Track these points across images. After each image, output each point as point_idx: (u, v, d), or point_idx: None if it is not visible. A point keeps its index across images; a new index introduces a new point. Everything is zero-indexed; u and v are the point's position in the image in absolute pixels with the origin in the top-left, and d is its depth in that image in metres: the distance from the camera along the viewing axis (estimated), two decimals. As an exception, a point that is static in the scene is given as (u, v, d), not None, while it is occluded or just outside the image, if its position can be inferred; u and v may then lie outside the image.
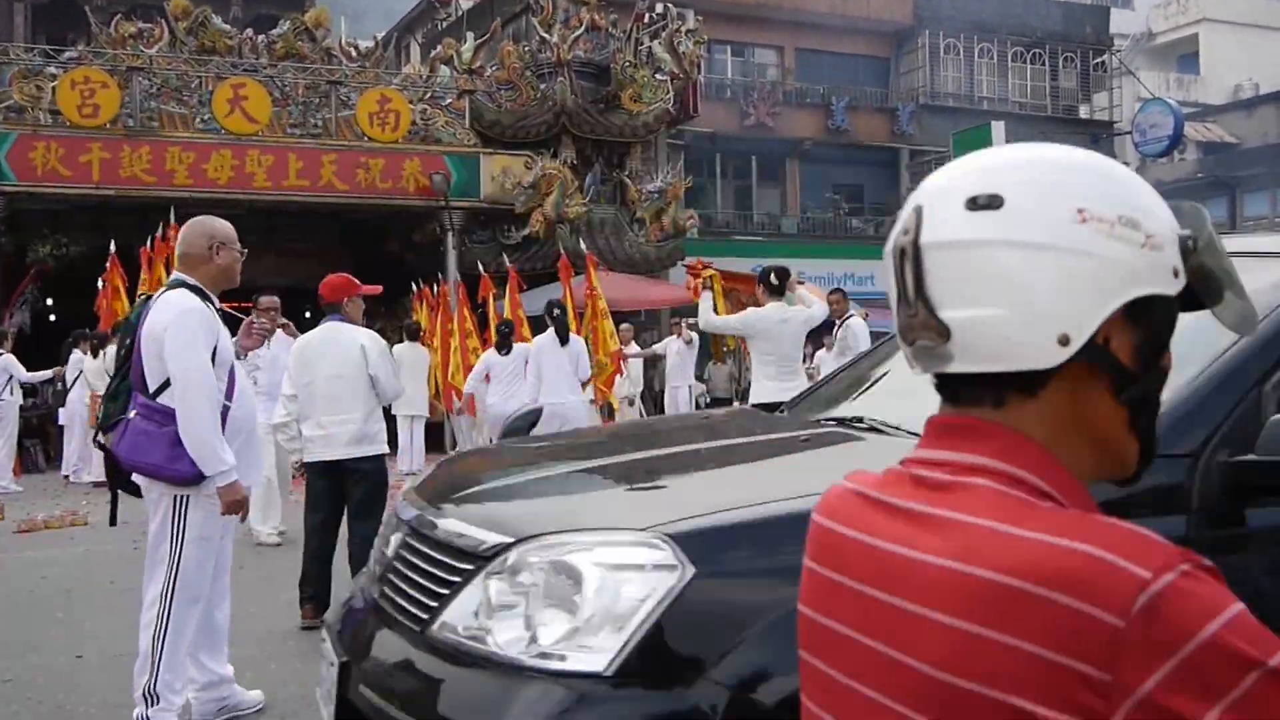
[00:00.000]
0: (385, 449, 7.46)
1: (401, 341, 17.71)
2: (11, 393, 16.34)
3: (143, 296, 5.16)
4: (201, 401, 4.77)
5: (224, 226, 5.15)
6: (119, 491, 5.26)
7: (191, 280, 4.96)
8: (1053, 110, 40.43)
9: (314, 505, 5.12)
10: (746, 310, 9.46)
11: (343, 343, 7.24)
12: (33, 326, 22.16)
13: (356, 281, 7.50)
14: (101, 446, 5.13)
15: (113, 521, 5.70)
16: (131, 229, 21.92)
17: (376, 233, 25.84)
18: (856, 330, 14.49)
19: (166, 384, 4.74)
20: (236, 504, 4.98)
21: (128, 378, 4.85)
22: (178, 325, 4.77)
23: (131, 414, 4.76)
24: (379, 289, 7.76)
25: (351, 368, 7.21)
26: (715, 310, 9.73)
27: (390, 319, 23.33)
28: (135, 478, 4.90)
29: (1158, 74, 47.72)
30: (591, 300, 17.77)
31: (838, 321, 14.67)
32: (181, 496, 4.84)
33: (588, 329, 17.48)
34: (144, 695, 4.80)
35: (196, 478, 4.80)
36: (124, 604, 7.78)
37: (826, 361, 22.54)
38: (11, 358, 16.54)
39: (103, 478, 15.68)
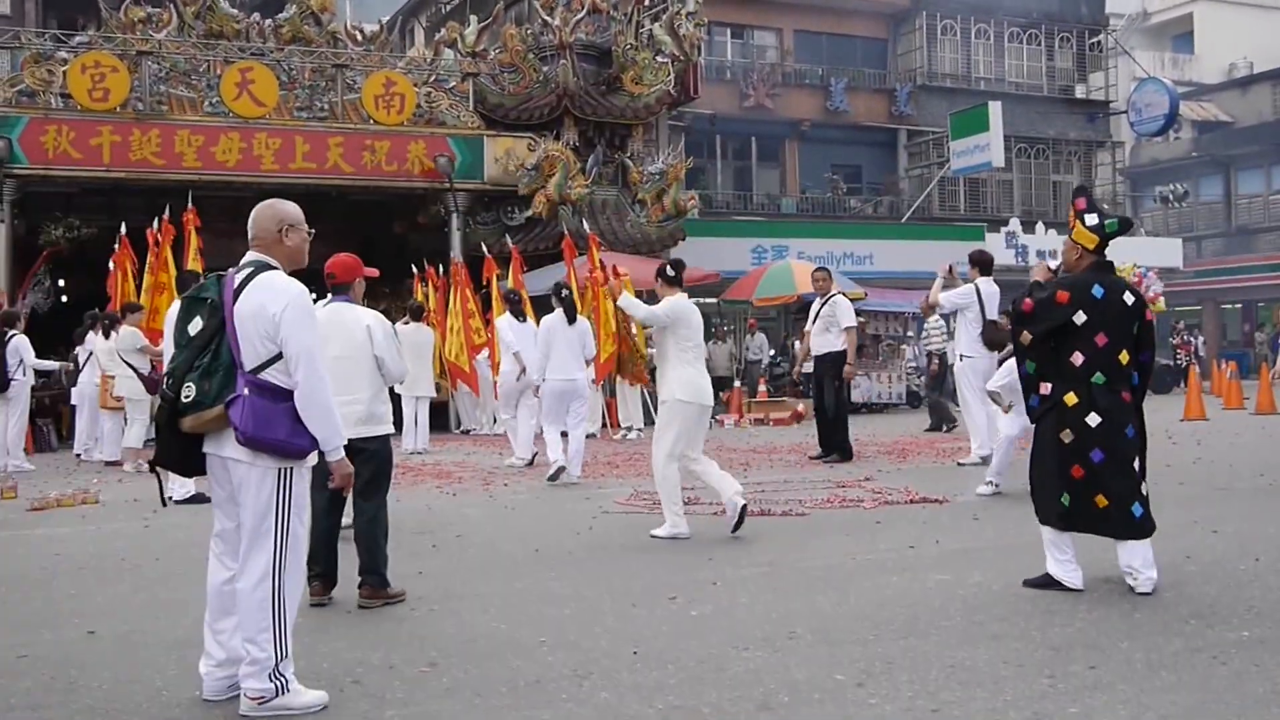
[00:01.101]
0: (391, 429, 7.53)
1: (406, 322, 17.93)
2: (24, 373, 16.49)
3: (214, 275, 5.16)
4: (325, 378, 5.00)
5: (292, 209, 5.27)
6: (157, 472, 5.30)
7: (274, 262, 5.13)
8: (1049, 90, 40.65)
9: (320, 485, 5.24)
10: (664, 300, 9.56)
11: (348, 323, 7.31)
12: (45, 307, 22.47)
13: (362, 263, 7.61)
14: (163, 429, 5.05)
15: (163, 503, 5.92)
16: (141, 211, 22.31)
17: (382, 214, 26.13)
18: (840, 307, 14.89)
19: (268, 362, 4.90)
20: (346, 476, 5.23)
21: (220, 356, 4.90)
22: (299, 305, 4.96)
23: (245, 391, 4.83)
24: (377, 272, 7.84)
25: (358, 349, 7.28)
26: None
27: (395, 300, 23.66)
28: (232, 453, 4.92)
29: (1153, 53, 47.84)
30: (594, 280, 18.06)
31: (821, 299, 15.08)
32: (287, 469, 4.97)
33: (589, 309, 17.79)
34: (272, 676, 4.90)
35: (310, 451, 5.00)
36: (136, 581, 8.03)
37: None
38: (23, 339, 16.61)
39: (114, 457, 16.22)
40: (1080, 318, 6.68)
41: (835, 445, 14.87)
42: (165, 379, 5.07)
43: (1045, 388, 6.84)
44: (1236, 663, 5.32)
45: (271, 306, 4.91)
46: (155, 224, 17.38)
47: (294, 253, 5.23)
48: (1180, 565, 7.39)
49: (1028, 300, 6.89)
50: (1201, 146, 45.80)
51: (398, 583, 7.26)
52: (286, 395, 4.92)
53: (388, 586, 7.12)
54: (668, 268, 9.77)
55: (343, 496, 7.08)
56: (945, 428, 19.36)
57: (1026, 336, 6.86)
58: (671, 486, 9.25)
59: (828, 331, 14.81)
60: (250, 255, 5.14)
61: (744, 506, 9.15)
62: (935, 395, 20.69)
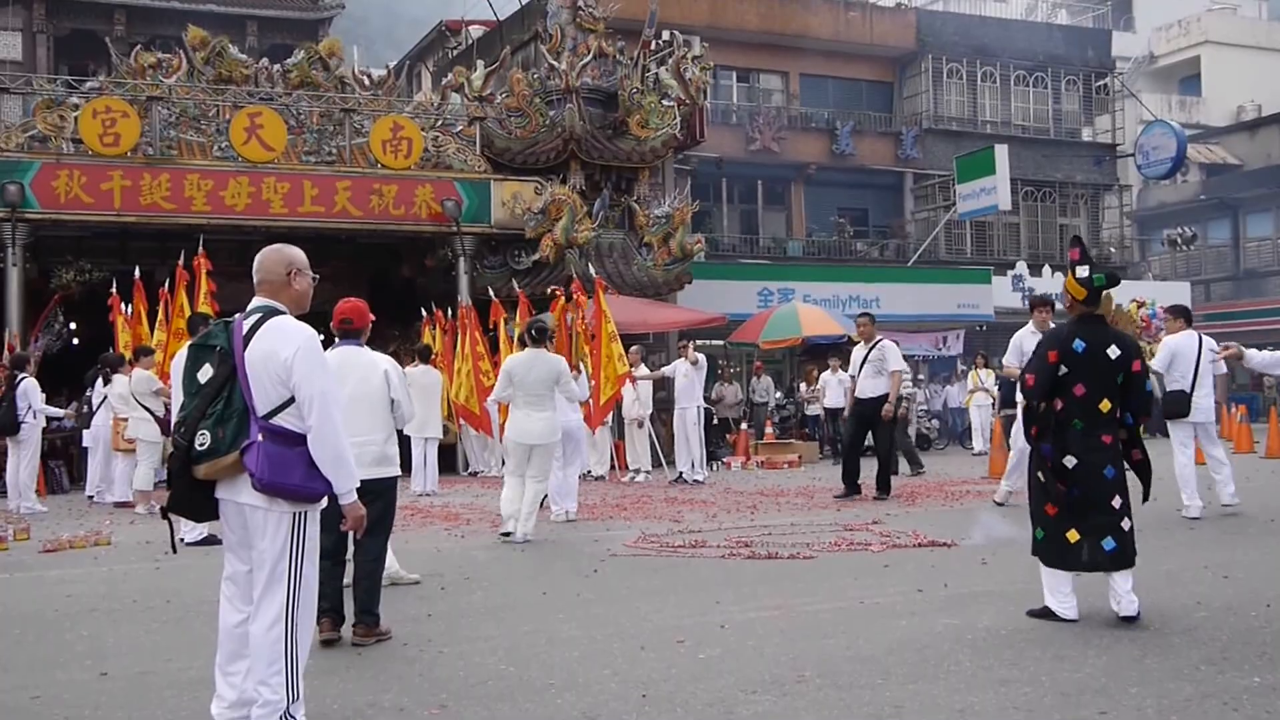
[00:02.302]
0: (399, 470, 7.70)
1: (415, 364, 17.97)
2: (35, 416, 16.50)
3: (221, 322, 5.19)
4: (338, 421, 5.01)
5: (298, 253, 5.30)
6: (169, 517, 5.28)
7: (281, 306, 5.15)
8: (1055, 133, 40.54)
9: (327, 525, 5.27)
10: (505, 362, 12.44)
11: (364, 366, 7.49)
12: (55, 349, 22.53)
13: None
14: (176, 476, 5.05)
15: (174, 548, 5.99)
16: (152, 255, 22.45)
17: (390, 258, 26.20)
18: (889, 351, 15.42)
19: (281, 407, 4.93)
20: (359, 519, 5.25)
21: (233, 403, 4.91)
22: (309, 349, 4.98)
23: (259, 438, 4.86)
24: (373, 317, 7.91)
25: (374, 391, 7.48)
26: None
27: (405, 342, 23.70)
28: (247, 498, 4.95)
29: (1160, 96, 47.81)
30: (599, 323, 18.07)
31: (865, 344, 15.59)
32: (301, 513, 5.01)
33: (580, 353, 17.82)
34: (284, 718, 4.93)
35: (324, 494, 5.03)
36: (148, 622, 8.08)
37: (831, 384, 23.01)
38: (33, 383, 16.62)
39: (125, 498, 16.22)
40: (1062, 370, 7.09)
41: (880, 483, 15.40)
42: (177, 427, 5.07)
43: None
44: (1248, 709, 5.30)
45: (283, 351, 4.93)
46: (170, 276, 17.45)
47: (301, 296, 5.27)
48: (1191, 610, 7.37)
49: (1028, 376, 7.28)
50: (1209, 189, 45.75)
51: (407, 625, 7.32)
52: (300, 440, 4.93)
53: (380, 624, 7.23)
54: (532, 329, 12.18)
55: (346, 536, 7.08)
56: (917, 470, 19.59)
57: (1057, 402, 7.14)
58: (504, 498, 11.90)
59: (879, 375, 15.31)
60: (257, 300, 5.17)
61: (508, 534, 11.70)
62: (906, 440, 20.76)
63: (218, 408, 4.91)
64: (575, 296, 18.71)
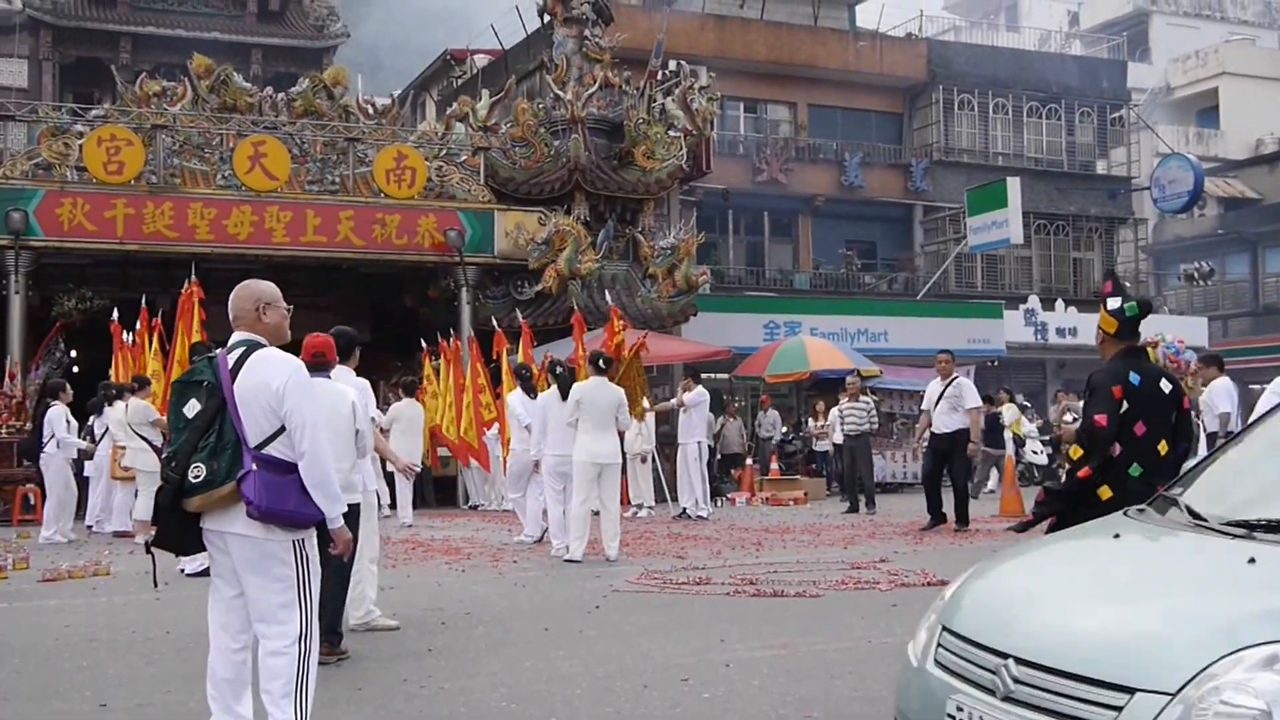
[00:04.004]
0: (360, 499, 7.76)
1: (400, 399, 18.05)
2: (56, 445, 16.42)
3: (204, 357, 5.30)
4: (328, 449, 5.15)
5: (267, 287, 5.41)
6: (152, 551, 5.33)
7: (262, 340, 5.24)
8: (1069, 165, 40.26)
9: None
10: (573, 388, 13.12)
11: (334, 396, 7.59)
12: (56, 377, 22.43)
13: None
14: (164, 512, 5.07)
15: (155, 583, 5.96)
16: (154, 283, 22.39)
17: (392, 287, 26.13)
18: (966, 388, 15.95)
19: (272, 436, 4.98)
20: (348, 543, 5.31)
21: (224, 435, 4.98)
22: (299, 379, 5.09)
23: (253, 467, 4.92)
24: None
25: (342, 421, 7.58)
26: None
27: (407, 373, 23.61)
28: (241, 529, 4.99)
29: (1177, 128, 47.25)
30: (618, 351, 17.78)
31: (942, 380, 16.03)
32: (300, 539, 5.08)
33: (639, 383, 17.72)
34: None
35: (318, 519, 5.09)
36: (147, 653, 8.02)
37: (837, 417, 22.79)
38: (56, 412, 16.47)
39: (124, 527, 16.08)
40: (1124, 406, 6.57)
41: (959, 514, 15.93)
42: (167, 462, 5.14)
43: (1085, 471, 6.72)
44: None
45: (274, 381, 5.02)
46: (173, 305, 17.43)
47: (275, 329, 5.36)
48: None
49: (1099, 417, 6.61)
50: (1227, 224, 45.18)
51: (409, 660, 7.34)
52: (291, 468, 5.01)
53: (342, 643, 7.54)
54: (600, 360, 13.39)
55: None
56: (864, 507, 19.38)
57: (1115, 446, 6.62)
58: (577, 521, 12.76)
59: (954, 411, 15.85)
60: (238, 335, 5.28)
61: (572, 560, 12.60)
62: (869, 479, 20.40)
63: (210, 440, 4.98)
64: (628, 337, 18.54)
